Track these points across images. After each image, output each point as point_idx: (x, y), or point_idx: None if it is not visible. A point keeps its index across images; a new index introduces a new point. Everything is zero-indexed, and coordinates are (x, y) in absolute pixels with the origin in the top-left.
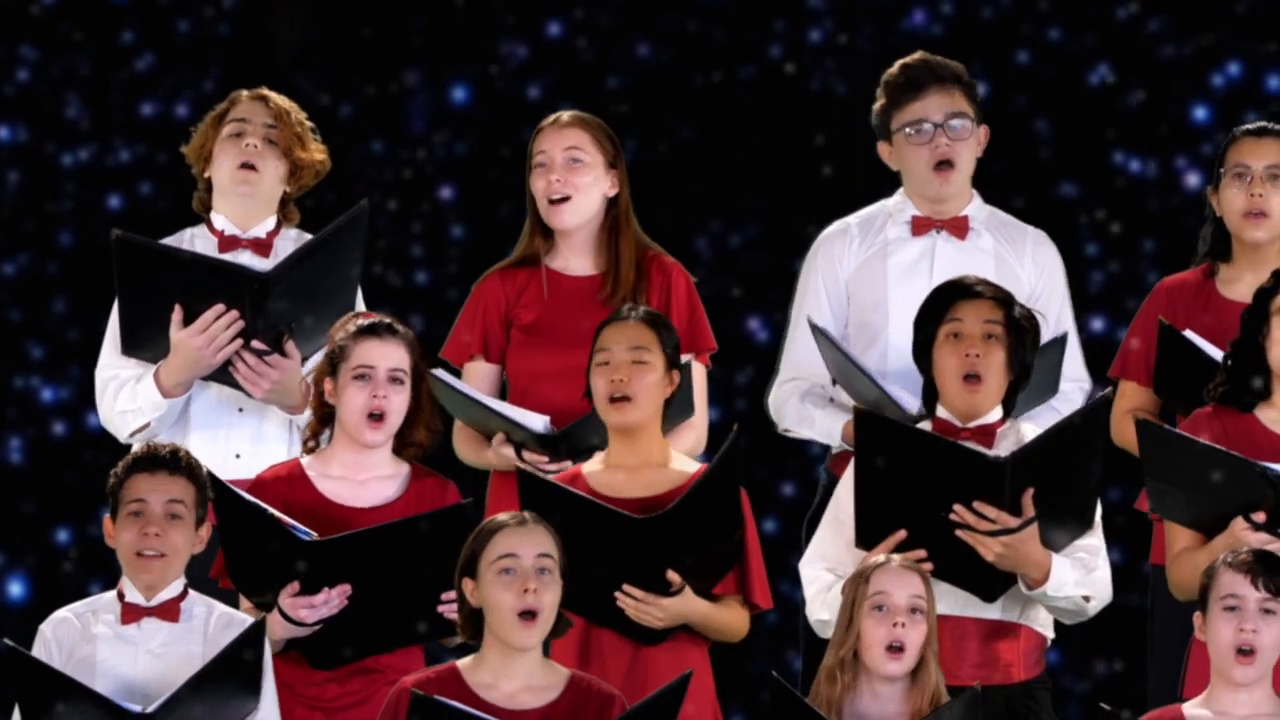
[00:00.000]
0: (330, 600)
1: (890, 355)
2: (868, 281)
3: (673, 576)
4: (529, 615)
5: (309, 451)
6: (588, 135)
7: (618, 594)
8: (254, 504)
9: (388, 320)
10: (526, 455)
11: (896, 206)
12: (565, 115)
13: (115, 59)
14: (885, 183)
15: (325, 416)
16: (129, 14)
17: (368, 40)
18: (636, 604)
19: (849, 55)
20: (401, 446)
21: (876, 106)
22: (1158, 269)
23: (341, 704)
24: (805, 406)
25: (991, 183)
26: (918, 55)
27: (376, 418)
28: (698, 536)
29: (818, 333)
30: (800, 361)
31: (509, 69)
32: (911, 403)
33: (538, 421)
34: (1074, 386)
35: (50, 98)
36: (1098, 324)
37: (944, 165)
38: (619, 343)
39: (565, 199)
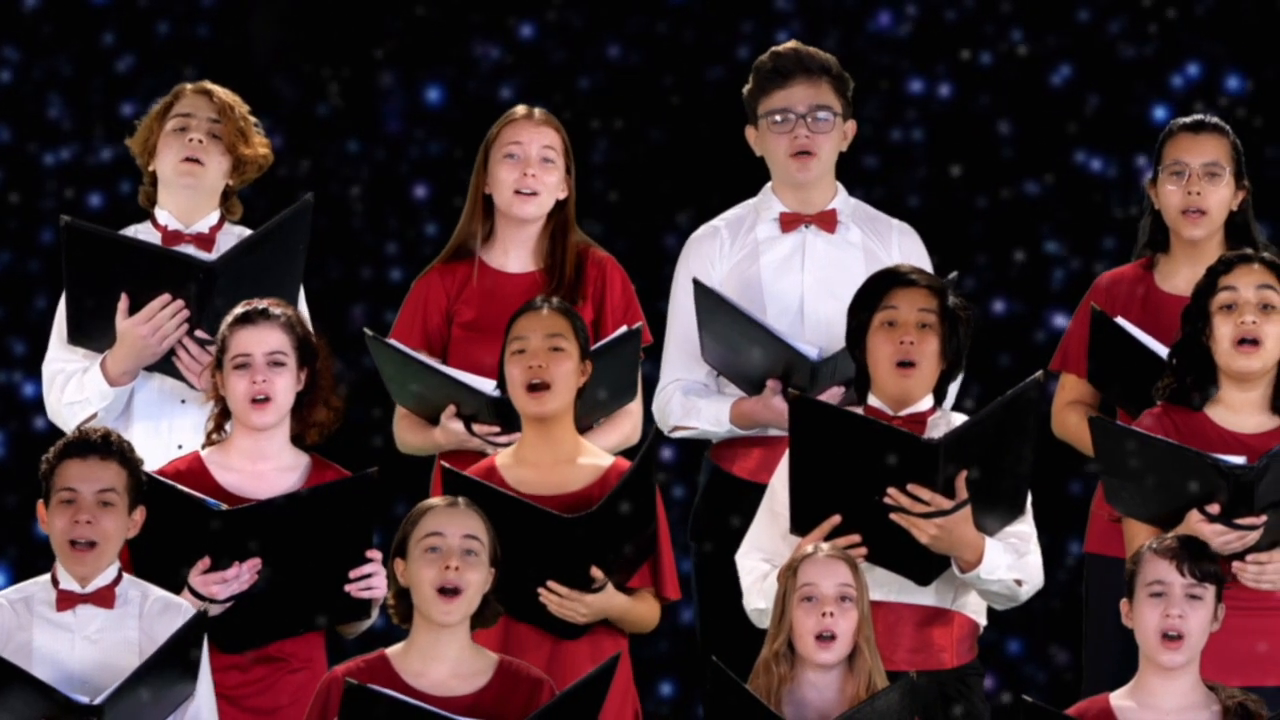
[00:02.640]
0: (241, 575)
1: None
2: (742, 282)
3: (596, 573)
4: (449, 592)
5: (211, 444)
6: (559, 138)
7: (541, 590)
8: (161, 480)
9: (263, 305)
10: (478, 428)
11: (763, 203)
12: (537, 112)
13: (96, 60)
14: (846, 177)
15: (226, 410)
16: (109, 16)
17: (343, 41)
18: (560, 600)
19: None
20: (303, 429)
21: (746, 90)
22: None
23: (244, 692)
24: (689, 399)
25: (955, 182)
26: (790, 44)
27: (260, 401)
28: (619, 533)
29: (704, 293)
30: (680, 361)
31: (482, 70)
32: (811, 350)
33: (490, 385)
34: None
35: (32, 98)
36: (1060, 320)
37: (803, 154)
38: (535, 331)
39: (534, 194)
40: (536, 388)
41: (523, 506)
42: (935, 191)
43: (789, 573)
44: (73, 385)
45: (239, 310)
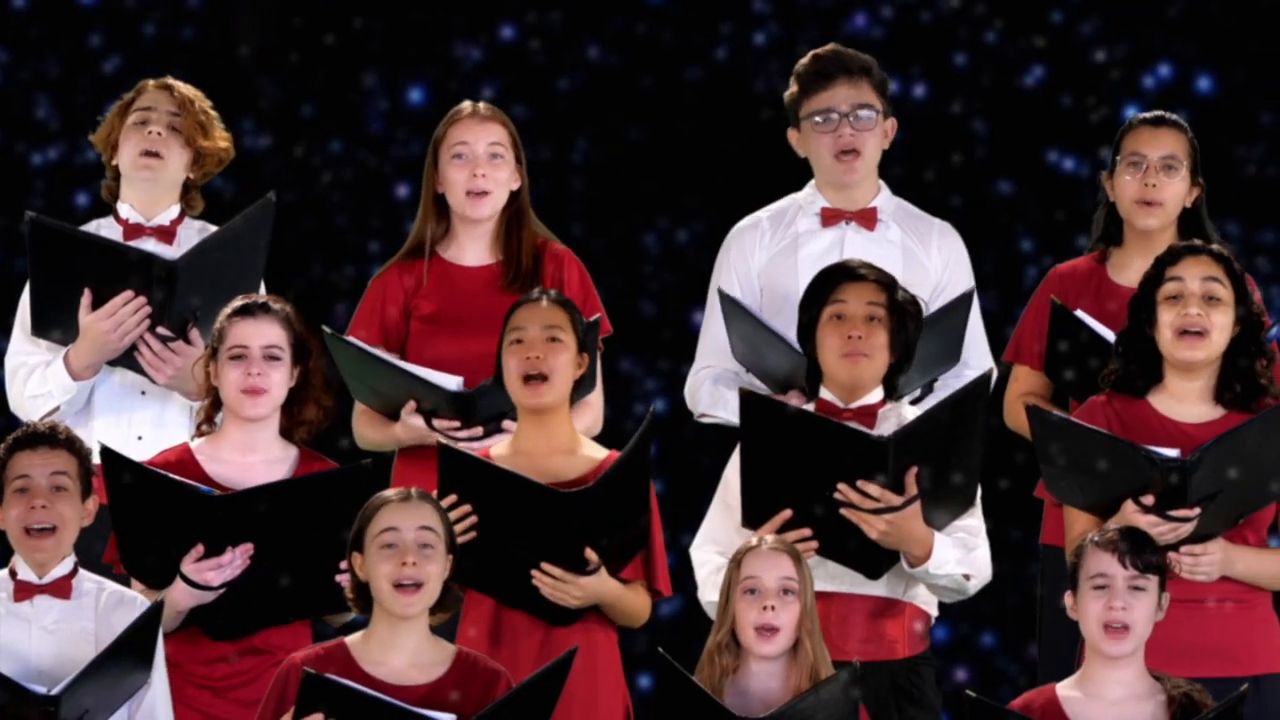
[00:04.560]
0: (235, 560)
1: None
2: (779, 273)
3: (591, 555)
4: (407, 587)
5: (201, 435)
6: (506, 131)
7: (535, 572)
8: (152, 470)
9: (262, 299)
10: (437, 423)
11: (806, 199)
12: (483, 108)
13: (83, 61)
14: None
15: (216, 401)
16: (97, 17)
17: (327, 43)
18: (554, 583)
19: (792, 57)
20: (292, 426)
21: (788, 94)
22: None
23: (231, 683)
24: (718, 389)
25: (930, 181)
26: (830, 46)
27: (254, 392)
28: (614, 517)
29: (729, 302)
30: (713, 349)
31: (463, 71)
32: None
33: (451, 381)
34: (975, 372)
35: (20, 99)
36: None
37: (848, 153)
38: (534, 322)
39: (486, 192)
40: (533, 379)
41: (519, 482)
42: (910, 190)
43: (733, 565)
44: (35, 379)
45: (238, 303)
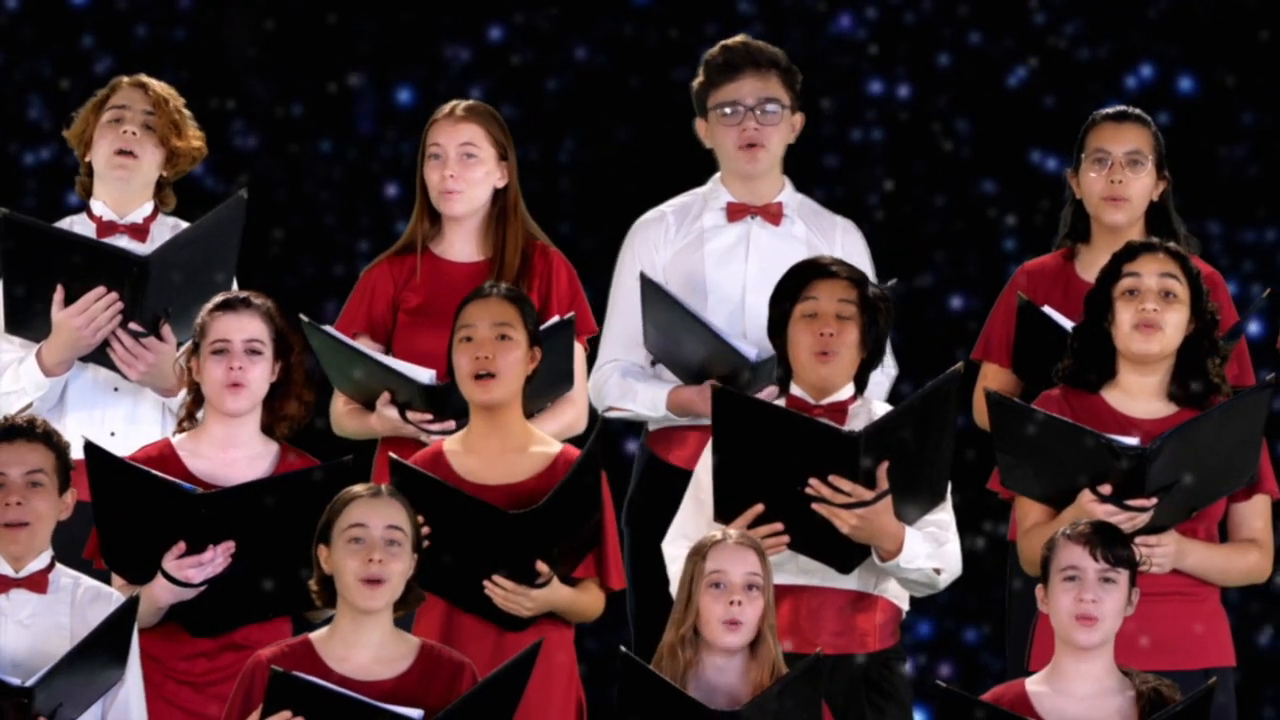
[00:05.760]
0: (216, 558)
1: None
2: (685, 267)
3: (542, 568)
4: (373, 582)
5: (183, 430)
6: (481, 129)
7: (486, 583)
8: (134, 466)
9: (244, 294)
10: (411, 415)
11: (710, 192)
12: (460, 107)
13: (75, 62)
14: (797, 172)
15: (198, 397)
16: (89, 19)
17: (317, 44)
18: (505, 595)
19: None
20: (274, 421)
21: (695, 84)
22: None
23: (211, 679)
24: (627, 381)
25: (915, 179)
26: (740, 38)
27: (235, 386)
28: (564, 527)
29: (649, 286)
30: (620, 342)
31: (452, 71)
32: (750, 350)
33: (424, 374)
34: (878, 372)
35: (13, 99)
36: None
37: (751, 146)
38: (482, 319)
39: (455, 192)
40: (483, 376)
41: (467, 501)
42: (894, 190)
43: (697, 558)
44: (8, 375)
45: (220, 297)
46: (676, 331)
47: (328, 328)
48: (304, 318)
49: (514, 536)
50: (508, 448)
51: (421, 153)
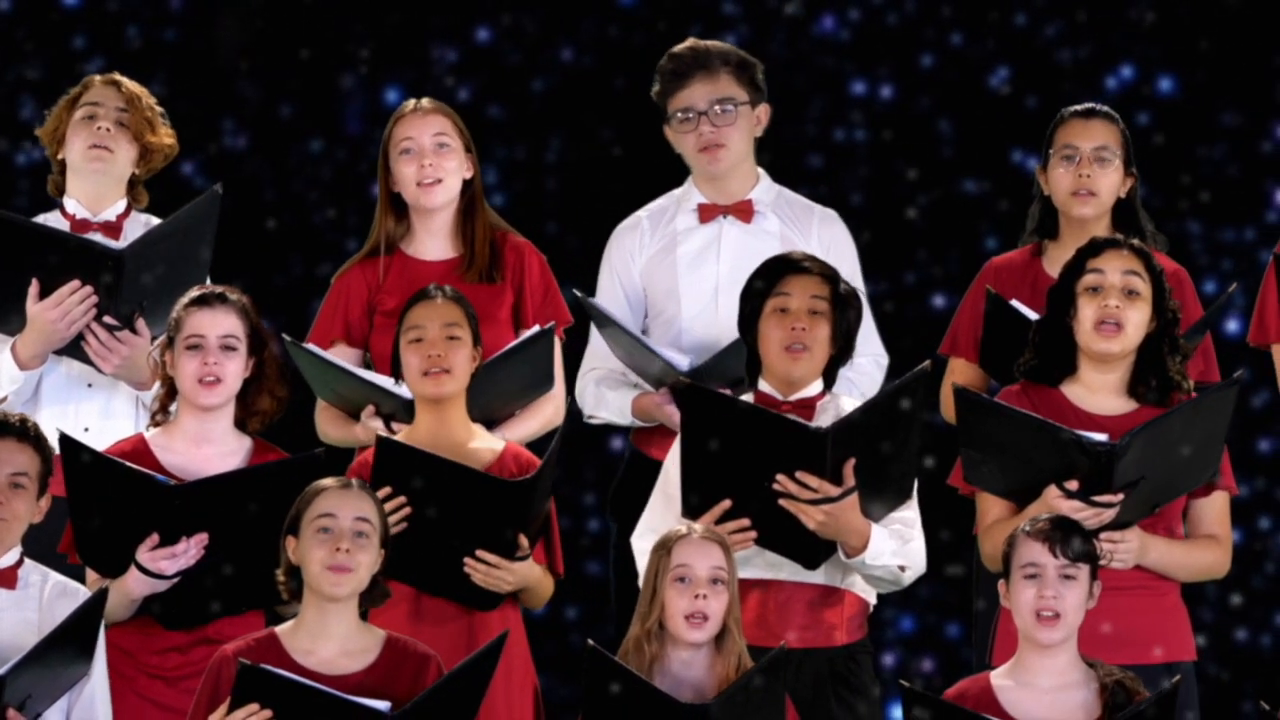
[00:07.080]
0: (189, 550)
1: (684, 339)
2: (659, 272)
3: (523, 540)
4: (339, 569)
5: (156, 425)
6: (450, 121)
7: (468, 560)
8: (109, 458)
9: (219, 290)
10: (396, 427)
11: (684, 195)
12: (425, 102)
13: (67, 63)
14: (781, 172)
15: (171, 391)
16: (80, 20)
17: (306, 45)
18: (487, 569)
19: (763, 59)
20: (247, 416)
21: (653, 93)
22: None
23: (183, 673)
24: (600, 390)
25: (899, 179)
26: (688, 43)
27: (210, 382)
28: (542, 501)
29: (596, 312)
30: (598, 351)
31: (439, 72)
32: (680, 360)
33: (406, 389)
34: (869, 360)
35: (5, 100)
36: None
37: (711, 148)
38: (432, 321)
39: (437, 181)
40: (436, 372)
41: (462, 471)
42: (877, 190)
43: (662, 552)
44: None
45: (195, 293)
46: (626, 345)
47: (310, 346)
48: (287, 338)
49: (506, 505)
50: (453, 443)
51: (385, 153)
